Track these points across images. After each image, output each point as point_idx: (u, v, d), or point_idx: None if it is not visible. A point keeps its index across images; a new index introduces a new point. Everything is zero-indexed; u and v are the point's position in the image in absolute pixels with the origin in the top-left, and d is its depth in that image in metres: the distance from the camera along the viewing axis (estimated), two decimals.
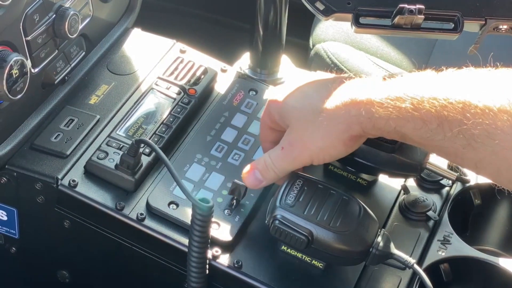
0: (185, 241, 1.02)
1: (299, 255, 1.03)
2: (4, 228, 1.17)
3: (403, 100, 0.91)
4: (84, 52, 1.23)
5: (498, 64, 0.94)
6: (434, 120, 0.89)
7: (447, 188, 1.16)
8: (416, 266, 1.00)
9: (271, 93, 1.06)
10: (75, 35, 1.15)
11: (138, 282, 1.14)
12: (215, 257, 1.03)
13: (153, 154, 1.10)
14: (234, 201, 1.07)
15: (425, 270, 1.02)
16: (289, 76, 1.42)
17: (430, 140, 0.91)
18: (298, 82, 1.04)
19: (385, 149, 1.07)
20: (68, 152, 1.11)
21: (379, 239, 1.00)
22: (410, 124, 0.91)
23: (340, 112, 0.96)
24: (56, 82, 1.17)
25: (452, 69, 0.94)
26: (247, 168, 1.04)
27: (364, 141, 1.00)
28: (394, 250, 1.01)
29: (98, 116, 1.16)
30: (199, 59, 1.27)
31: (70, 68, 1.19)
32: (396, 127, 0.92)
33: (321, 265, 1.03)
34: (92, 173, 1.09)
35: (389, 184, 1.15)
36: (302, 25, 1.75)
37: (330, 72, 1.49)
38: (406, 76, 0.96)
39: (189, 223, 0.99)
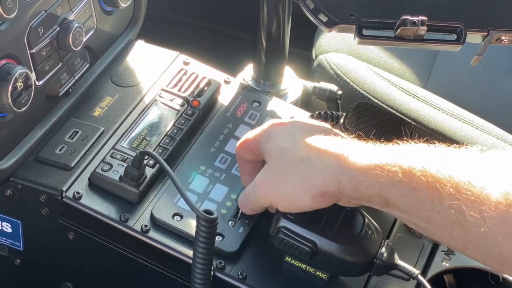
0: (190, 252, 1.02)
1: (303, 266, 1.03)
2: (8, 240, 1.17)
3: (392, 165, 0.89)
4: (88, 64, 1.23)
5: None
6: (425, 188, 0.87)
7: None
8: (420, 277, 1.00)
9: (269, 123, 1.04)
10: (79, 48, 1.15)
11: None
12: (219, 269, 1.03)
13: (157, 165, 1.10)
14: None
15: (429, 281, 1.02)
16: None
17: (417, 209, 0.88)
18: (295, 123, 1.01)
19: None
20: (72, 164, 1.11)
21: (383, 250, 1.00)
22: (397, 189, 0.89)
23: (320, 165, 0.93)
24: (60, 94, 1.18)
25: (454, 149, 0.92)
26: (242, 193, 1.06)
27: (334, 202, 0.96)
28: (398, 261, 1.01)
29: (102, 128, 1.17)
30: (202, 71, 1.27)
31: (74, 80, 1.20)
32: (381, 191, 0.90)
33: (325, 276, 1.03)
34: (97, 185, 1.10)
35: None
36: (305, 36, 1.75)
37: (334, 84, 1.51)
38: (398, 146, 0.93)
39: (194, 234, 0.99)
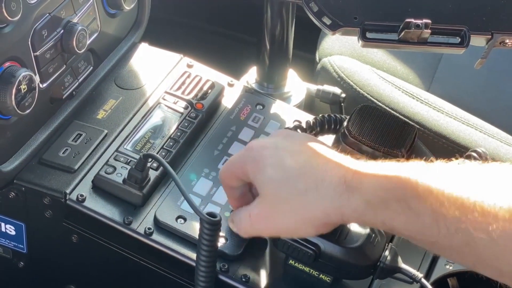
0: (193, 255, 1.03)
1: (307, 269, 1.03)
2: (12, 242, 1.17)
3: (394, 192, 0.86)
4: (91, 67, 1.23)
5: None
6: (429, 214, 0.84)
7: None
8: (423, 280, 1.00)
9: (250, 146, 0.97)
10: (83, 50, 1.15)
11: None
12: (223, 271, 1.03)
13: (161, 168, 1.11)
14: None
15: (432, 284, 1.02)
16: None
17: (422, 234, 0.86)
18: (279, 143, 0.96)
19: None
20: (76, 167, 1.11)
21: (387, 253, 1.00)
22: (401, 217, 0.86)
23: (320, 198, 0.90)
24: (64, 97, 1.18)
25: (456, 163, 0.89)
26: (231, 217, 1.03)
27: (338, 226, 0.95)
28: (401, 264, 1.01)
29: (105, 131, 1.17)
30: (206, 74, 1.27)
31: (78, 83, 1.20)
32: (385, 219, 0.87)
33: (328, 279, 1.03)
34: (100, 187, 1.10)
35: None
36: (309, 39, 1.75)
37: (337, 86, 1.51)
38: (397, 167, 0.89)
39: (197, 237, 0.99)
